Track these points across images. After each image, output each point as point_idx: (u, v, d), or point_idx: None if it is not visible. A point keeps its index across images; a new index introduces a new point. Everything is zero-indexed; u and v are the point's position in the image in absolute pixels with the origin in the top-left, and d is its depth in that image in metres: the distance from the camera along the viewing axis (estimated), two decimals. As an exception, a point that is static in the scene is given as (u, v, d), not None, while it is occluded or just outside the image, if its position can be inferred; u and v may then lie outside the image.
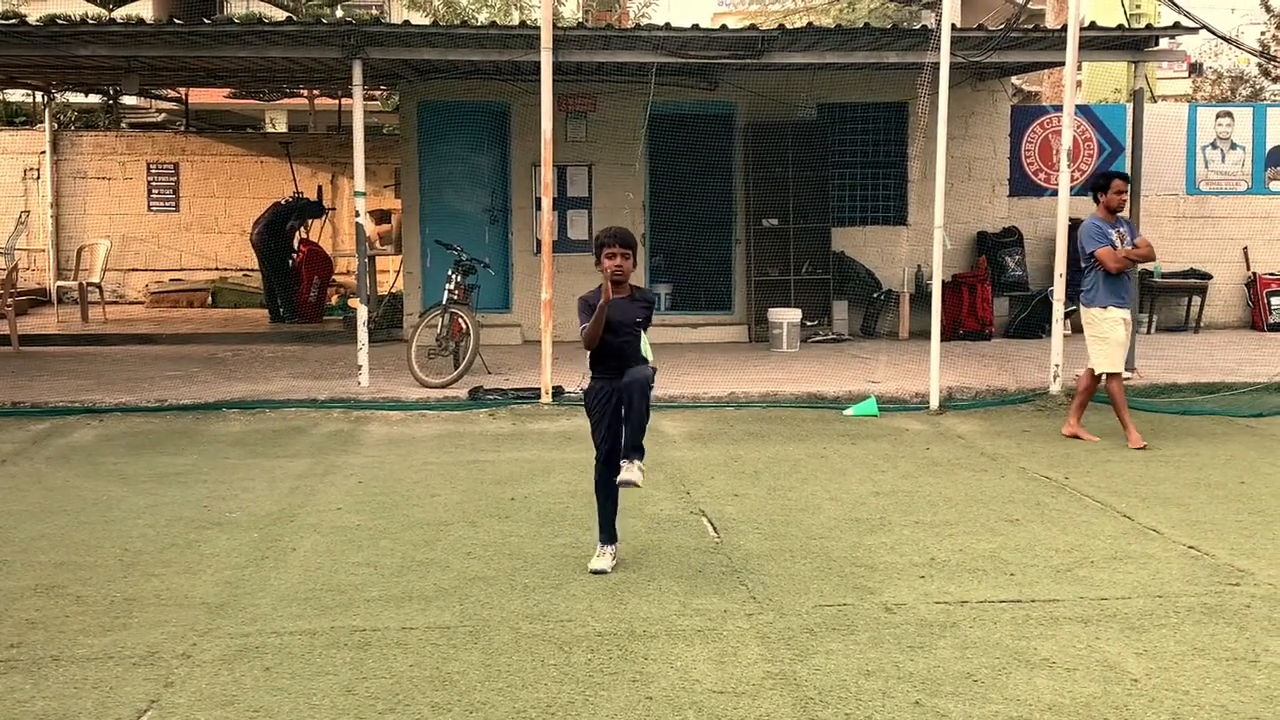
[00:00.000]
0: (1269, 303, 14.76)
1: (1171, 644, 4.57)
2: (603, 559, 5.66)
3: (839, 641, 4.62)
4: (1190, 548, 5.88)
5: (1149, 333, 14.18)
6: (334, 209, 17.90)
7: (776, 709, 4.01)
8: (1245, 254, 15.01)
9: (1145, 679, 4.22)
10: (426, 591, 5.29)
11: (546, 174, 10.39)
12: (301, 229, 16.30)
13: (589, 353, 5.67)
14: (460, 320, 11.04)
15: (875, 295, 14.42)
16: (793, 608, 5.02)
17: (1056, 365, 10.41)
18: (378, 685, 4.23)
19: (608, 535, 5.75)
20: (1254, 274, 14.91)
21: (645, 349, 5.63)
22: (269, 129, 24.37)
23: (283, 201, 16.21)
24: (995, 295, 14.23)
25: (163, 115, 23.14)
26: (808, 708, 4.01)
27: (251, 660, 4.47)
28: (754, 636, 4.68)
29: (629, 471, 5.53)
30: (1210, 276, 14.77)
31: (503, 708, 4.03)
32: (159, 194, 18.56)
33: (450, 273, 11.28)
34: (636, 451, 5.58)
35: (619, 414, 5.55)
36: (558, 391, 10.35)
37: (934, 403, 10.06)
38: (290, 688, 4.21)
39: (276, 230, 15.89)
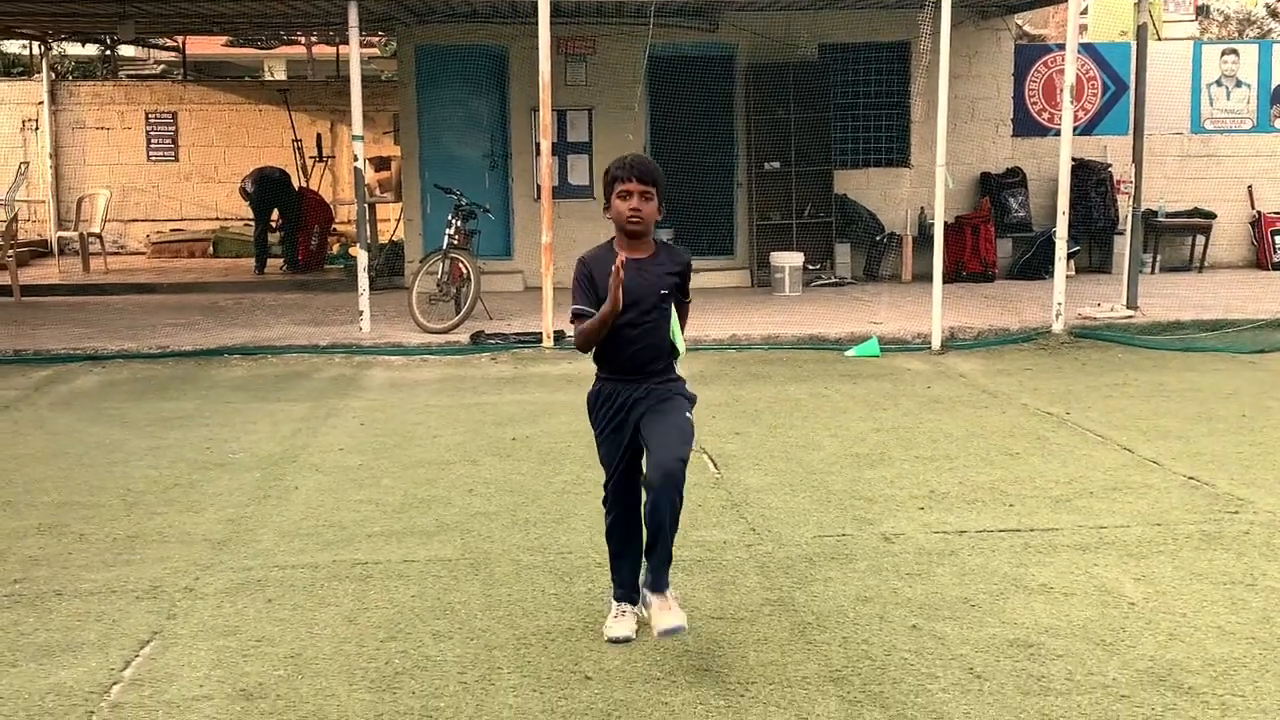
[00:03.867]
0: (1274, 241, 14.68)
1: (1169, 570, 4.58)
2: (622, 623, 4.06)
3: (837, 570, 4.64)
4: (1190, 478, 5.89)
5: (1153, 272, 14.12)
6: (333, 156, 17.82)
7: (774, 632, 4.03)
8: (1250, 193, 14.91)
9: (1142, 603, 4.24)
10: (428, 527, 5.31)
11: (545, 117, 10.32)
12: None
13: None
14: (461, 265, 11.01)
15: (878, 238, 14.35)
16: (791, 538, 5.04)
17: (1059, 304, 10.38)
18: (379, 615, 4.26)
19: (625, 591, 4.12)
20: (1259, 212, 14.82)
21: (675, 337, 4.00)
22: (267, 78, 24.20)
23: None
24: (999, 236, 14.16)
25: (161, 67, 22.99)
26: (805, 631, 4.03)
27: (254, 593, 4.49)
28: (753, 566, 4.70)
29: (663, 612, 3.80)
30: (1215, 215, 14.68)
31: (503, 635, 4.06)
32: (158, 144, 18.46)
33: (450, 217, 11.23)
34: (662, 571, 3.87)
35: (635, 435, 3.97)
36: (559, 336, 10.34)
37: (936, 343, 10.05)
38: (292, 618, 4.23)
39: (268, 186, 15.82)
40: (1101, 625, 4.03)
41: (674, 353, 4.03)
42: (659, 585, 3.85)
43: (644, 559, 4.00)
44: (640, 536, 4.03)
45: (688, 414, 3.99)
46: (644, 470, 3.95)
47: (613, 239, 4.05)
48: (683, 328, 4.09)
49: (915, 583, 4.47)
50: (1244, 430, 6.92)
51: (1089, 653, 3.80)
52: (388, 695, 3.60)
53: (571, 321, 4.02)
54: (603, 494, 4.14)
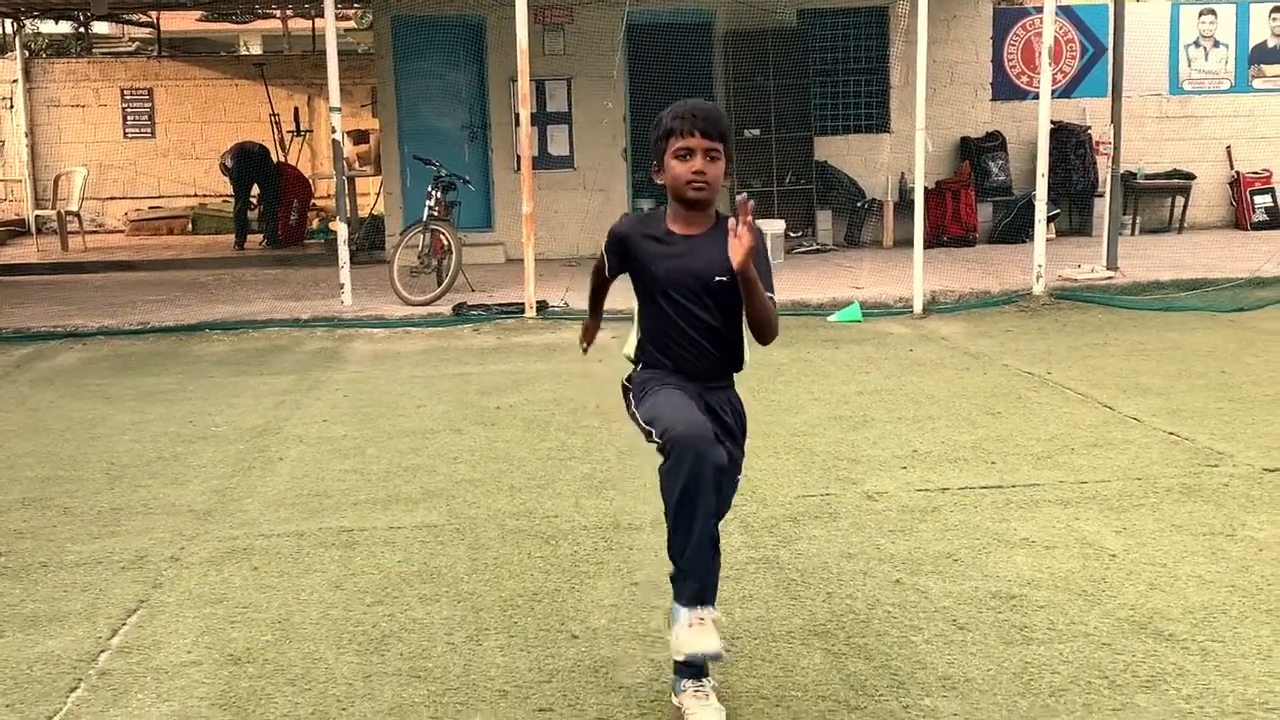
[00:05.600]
0: (1252, 201, 14.74)
1: (1150, 522, 4.62)
2: (704, 632, 3.04)
3: (821, 528, 4.67)
4: (1170, 433, 5.93)
5: (1133, 234, 14.16)
6: (311, 131, 17.72)
7: (759, 589, 4.06)
8: (1228, 153, 14.94)
9: (1123, 554, 4.28)
10: (413, 494, 5.32)
11: (524, 86, 10.28)
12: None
13: (635, 337, 3.43)
14: (442, 237, 10.97)
15: (859, 204, 14.36)
16: (775, 498, 5.07)
17: (1039, 266, 10.41)
18: (365, 580, 4.27)
19: (700, 583, 3.11)
20: (1237, 173, 14.87)
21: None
22: (243, 53, 24.02)
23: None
24: (979, 200, 14.17)
25: (135, 44, 22.79)
26: (789, 588, 4.06)
27: (239, 561, 4.50)
28: (738, 525, 4.72)
29: (699, 634, 3.03)
30: (1194, 177, 14.72)
31: (489, 597, 4.08)
32: (134, 120, 18.33)
33: (430, 189, 11.19)
34: (693, 580, 3.08)
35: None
36: (542, 306, 10.34)
37: (918, 306, 10.08)
38: (278, 585, 4.24)
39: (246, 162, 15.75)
40: (1083, 576, 4.07)
41: (737, 365, 3.34)
42: (697, 594, 3.09)
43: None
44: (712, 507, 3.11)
45: (739, 451, 3.31)
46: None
47: (660, 208, 3.33)
48: (765, 330, 3.20)
49: (898, 539, 4.50)
50: (1223, 386, 6.96)
51: (1070, 603, 3.84)
52: (375, 657, 3.61)
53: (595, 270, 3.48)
54: (661, 447, 3.07)
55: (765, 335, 3.23)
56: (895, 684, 3.33)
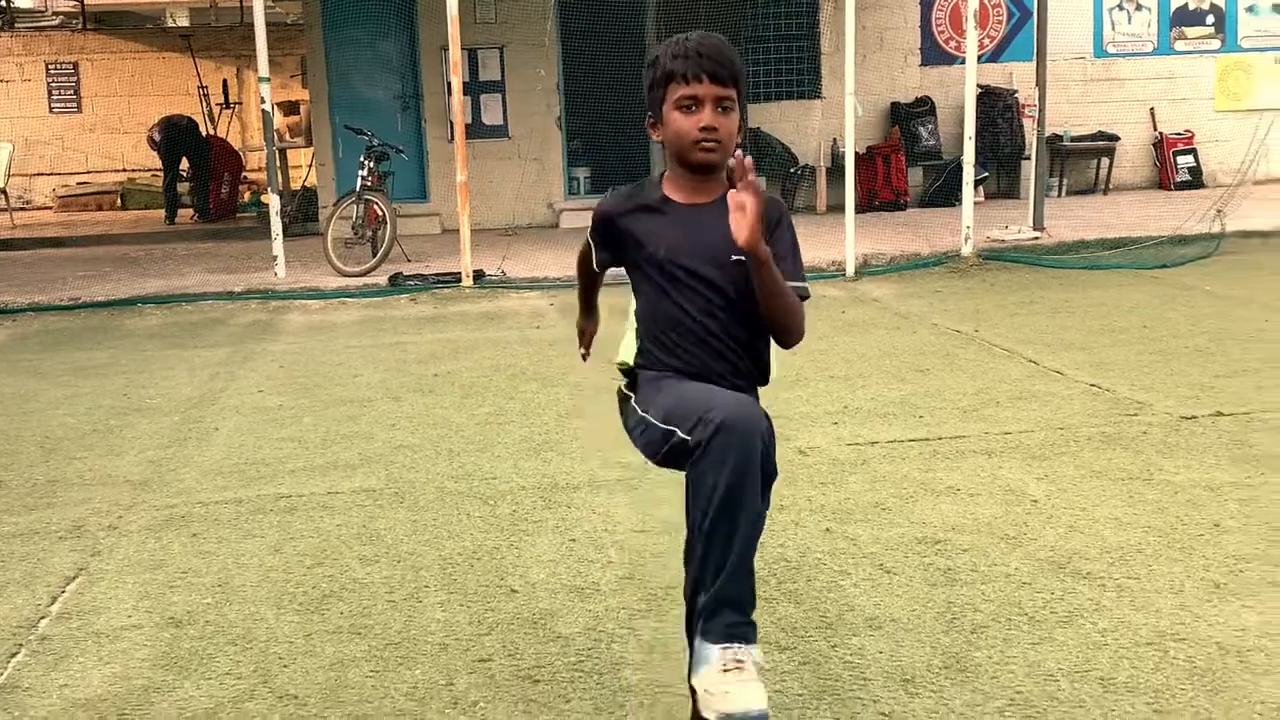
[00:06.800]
0: (1175, 162, 15.04)
1: (1070, 469, 4.78)
2: (744, 683, 2.42)
3: (755, 483, 4.76)
4: (1092, 385, 6.10)
5: (1060, 195, 14.42)
6: (240, 103, 17.53)
7: (693, 542, 4.15)
8: (1152, 115, 15.24)
9: (1044, 500, 4.43)
10: (351, 460, 5.35)
11: (455, 54, 10.25)
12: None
13: (632, 337, 2.80)
14: (376, 207, 10.94)
15: (792, 170, 14.47)
16: (710, 456, 5.15)
17: (968, 228, 10.58)
18: (305, 544, 4.30)
19: (742, 612, 2.51)
20: (1161, 134, 15.16)
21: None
22: (169, 25, 23.63)
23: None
24: (909, 165, 14.36)
25: (59, 18, 22.34)
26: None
27: (178, 528, 4.52)
28: (674, 484, 4.75)
29: (739, 686, 2.41)
30: (1118, 138, 15.00)
31: (429, 557, 4.13)
32: (60, 95, 18.04)
33: (362, 159, 11.14)
34: (732, 609, 2.47)
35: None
36: (479, 275, 10.35)
37: (850, 269, 10.22)
38: (217, 550, 4.27)
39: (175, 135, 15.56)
40: (1005, 521, 4.21)
41: (764, 369, 2.74)
42: (732, 628, 2.47)
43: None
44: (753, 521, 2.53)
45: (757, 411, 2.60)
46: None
47: (660, 175, 2.68)
48: (786, 329, 2.63)
49: (829, 491, 4.61)
50: (1144, 340, 7.16)
51: (993, 546, 3.97)
52: (316, 616, 3.66)
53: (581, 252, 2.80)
54: (693, 444, 2.49)
55: (787, 336, 2.62)
56: (824, 625, 3.43)
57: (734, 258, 2.52)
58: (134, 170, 17.84)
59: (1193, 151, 15.08)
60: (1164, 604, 3.49)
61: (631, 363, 2.74)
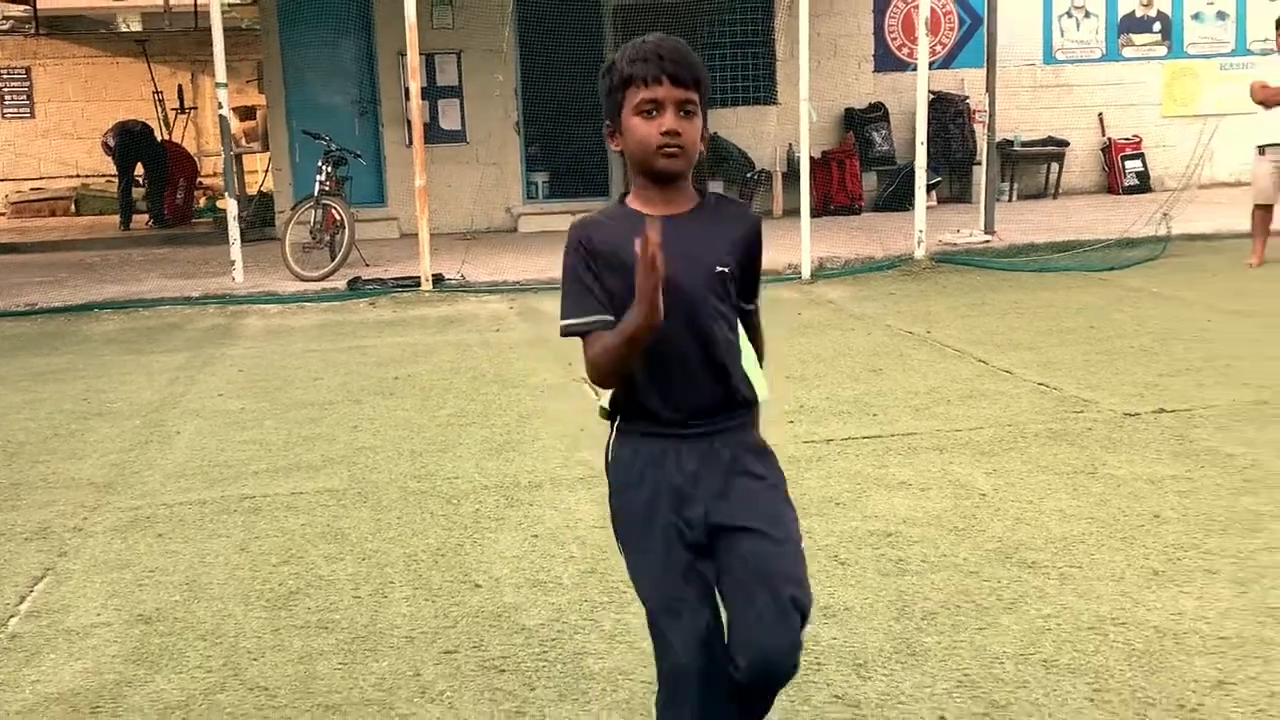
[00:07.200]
0: (1124, 166, 15.33)
1: (1018, 464, 4.92)
2: None
3: (712, 479, 4.87)
4: (1040, 384, 6.26)
5: (1010, 200, 14.66)
6: (195, 108, 17.48)
7: (653, 536, 4.25)
8: (1100, 120, 15.52)
9: (993, 493, 4.57)
10: (314, 462, 5.41)
11: (413, 59, 10.32)
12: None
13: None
14: (334, 212, 10.97)
15: (748, 175, 14.62)
16: (669, 454, 5.25)
17: (920, 232, 10.76)
18: (271, 543, 4.37)
19: None
20: (1109, 139, 15.45)
21: (748, 367, 2.42)
22: (123, 29, 23.49)
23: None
24: (864, 170, 14.56)
25: (10, 22, 22.15)
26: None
27: (144, 529, 4.57)
28: (632, 480, 4.90)
29: None
30: (1068, 143, 15.27)
31: (394, 554, 4.21)
32: (12, 100, 17.91)
33: (320, 163, 11.17)
34: None
35: (701, 557, 2.33)
36: (438, 279, 10.41)
37: (806, 272, 10.37)
38: (184, 550, 4.33)
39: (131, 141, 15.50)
40: (955, 514, 4.34)
41: (750, 395, 2.41)
42: None
43: None
44: None
45: (789, 515, 2.40)
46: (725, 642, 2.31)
47: (623, 194, 2.43)
48: (759, 354, 2.49)
49: (785, 487, 4.73)
50: (1091, 340, 7.34)
51: (943, 538, 4.11)
52: (284, 612, 3.73)
53: (562, 335, 2.36)
54: (659, 665, 2.37)
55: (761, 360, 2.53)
56: (780, 615, 3.54)
57: (719, 269, 2.35)
58: (88, 176, 17.73)
59: (1141, 156, 15.38)
60: (1105, 591, 3.63)
61: (608, 406, 2.44)
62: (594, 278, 2.32)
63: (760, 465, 2.39)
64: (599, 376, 2.34)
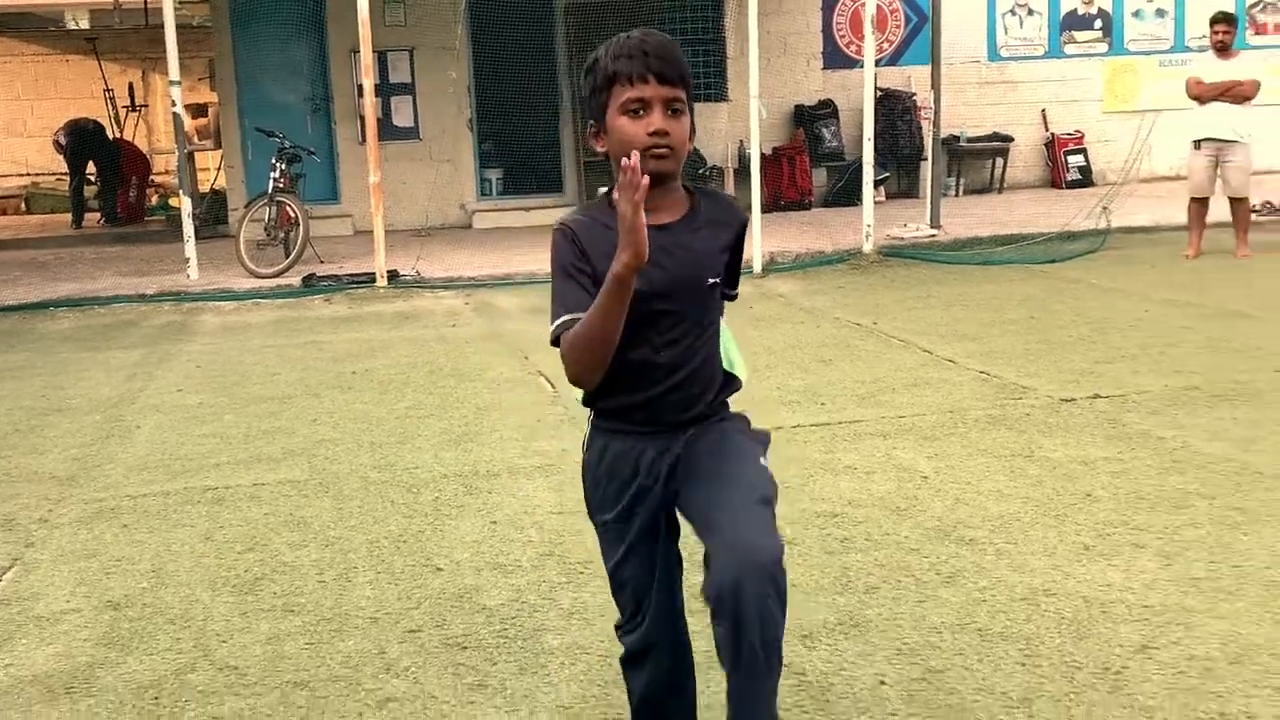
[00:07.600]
0: (1066, 161, 15.65)
1: (958, 448, 5.11)
2: None
3: (665, 466, 5.02)
4: (982, 372, 6.47)
5: (957, 195, 14.93)
6: (146, 105, 17.41)
7: (608, 520, 4.40)
8: (1044, 116, 15.83)
9: (934, 475, 4.75)
10: (275, 454, 5.51)
11: (366, 56, 10.40)
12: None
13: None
14: (288, 209, 11.03)
15: (700, 171, 14.78)
16: (623, 442, 5.40)
17: (868, 227, 10.97)
18: (235, 532, 4.48)
19: None
20: (1052, 134, 15.77)
21: (730, 354, 2.55)
22: (72, 27, 23.30)
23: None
24: (813, 166, 14.78)
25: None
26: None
27: (109, 520, 4.66)
28: (588, 468, 5.04)
29: None
30: (1012, 139, 15.57)
31: (356, 541, 4.33)
32: (-42, 98, 17.74)
33: (274, 160, 11.22)
34: None
35: (662, 541, 2.54)
36: (393, 275, 10.50)
37: (757, 267, 10.55)
38: (149, 539, 4.42)
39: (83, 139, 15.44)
40: (898, 496, 4.52)
41: (729, 383, 2.51)
42: None
43: None
44: (693, 710, 2.60)
45: (761, 459, 2.45)
46: (705, 573, 2.32)
47: (608, 191, 2.34)
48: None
49: (735, 472, 4.89)
50: (1031, 330, 7.57)
51: (885, 518, 4.28)
52: (250, 597, 3.85)
53: (554, 343, 2.31)
54: (621, 643, 2.59)
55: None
56: (730, 592, 3.70)
57: (711, 280, 2.36)
58: (38, 174, 17.63)
59: (1083, 151, 15.71)
60: (1038, 564, 3.82)
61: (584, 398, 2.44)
62: (585, 274, 2.28)
63: (730, 429, 2.47)
64: (575, 369, 2.29)
